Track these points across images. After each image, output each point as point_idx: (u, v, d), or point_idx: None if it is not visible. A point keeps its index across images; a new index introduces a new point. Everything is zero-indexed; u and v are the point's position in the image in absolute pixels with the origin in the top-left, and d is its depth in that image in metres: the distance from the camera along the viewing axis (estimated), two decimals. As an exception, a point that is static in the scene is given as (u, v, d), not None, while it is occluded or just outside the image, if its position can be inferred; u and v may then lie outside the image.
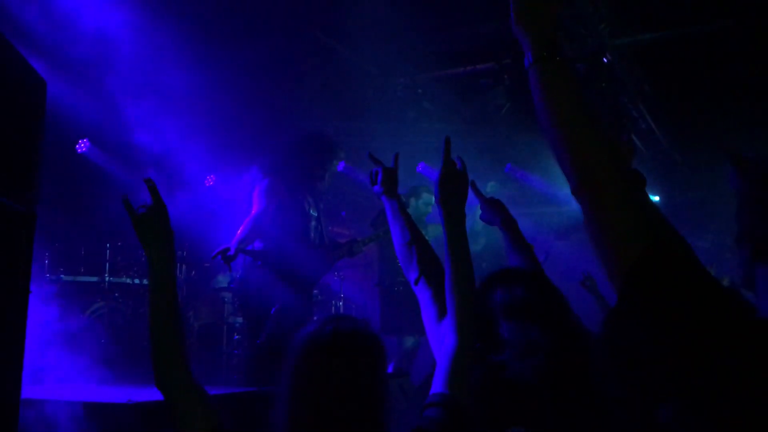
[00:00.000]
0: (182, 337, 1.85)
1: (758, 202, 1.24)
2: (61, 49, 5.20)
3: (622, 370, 1.49)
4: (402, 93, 7.14)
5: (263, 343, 4.81)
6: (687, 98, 7.04)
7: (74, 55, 5.34)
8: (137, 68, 5.66)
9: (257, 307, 4.94)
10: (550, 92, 1.36)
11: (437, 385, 1.78)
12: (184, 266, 7.25)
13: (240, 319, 7.00)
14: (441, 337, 2.04)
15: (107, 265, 6.83)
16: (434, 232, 6.25)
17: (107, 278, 6.79)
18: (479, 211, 2.85)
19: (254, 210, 4.96)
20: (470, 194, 2.21)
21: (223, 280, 7.51)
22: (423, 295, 2.20)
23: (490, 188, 6.61)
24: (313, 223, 5.20)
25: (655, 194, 7.89)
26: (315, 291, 6.25)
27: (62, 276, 6.48)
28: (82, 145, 7.25)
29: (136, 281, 6.98)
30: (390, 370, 5.65)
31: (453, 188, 2.10)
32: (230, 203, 7.12)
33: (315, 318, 1.79)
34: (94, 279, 6.78)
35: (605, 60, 6.10)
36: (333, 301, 7.73)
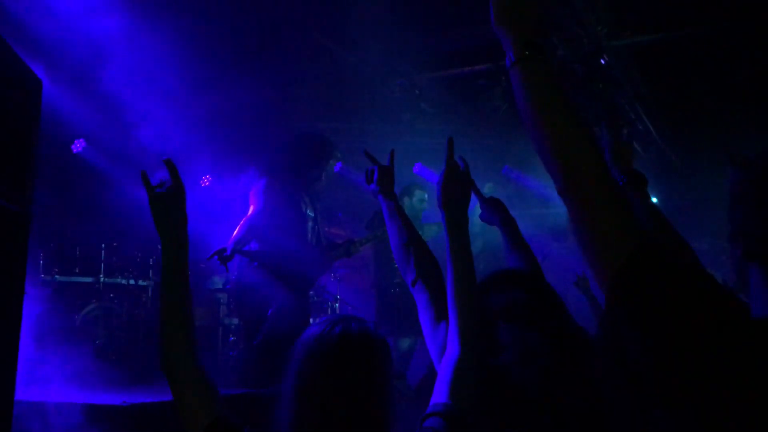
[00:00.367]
0: (190, 322, 1.82)
1: (751, 201, 1.22)
2: (58, 49, 5.18)
3: (615, 373, 1.48)
4: (399, 94, 7.13)
5: (260, 344, 4.79)
6: (684, 100, 7.05)
7: (71, 54, 5.32)
8: (133, 68, 5.64)
9: (254, 309, 4.93)
10: (532, 92, 1.34)
11: (439, 395, 1.75)
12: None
13: (236, 321, 6.99)
14: (439, 341, 2.02)
15: (102, 265, 6.81)
16: (429, 232, 6.25)
17: (102, 279, 6.77)
18: (477, 212, 2.83)
19: (251, 210, 4.95)
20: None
21: (218, 281, 7.50)
22: (420, 297, 2.18)
23: (487, 189, 6.61)
24: (310, 223, 5.19)
25: (652, 196, 7.87)
26: (311, 292, 6.24)
27: (57, 276, 6.46)
28: (78, 145, 7.23)
29: (131, 282, 6.96)
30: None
31: (456, 190, 2.04)
32: (226, 204, 7.12)
33: (318, 320, 1.76)
34: (89, 279, 6.76)
35: (602, 61, 6.10)
36: (329, 303, 7.71)
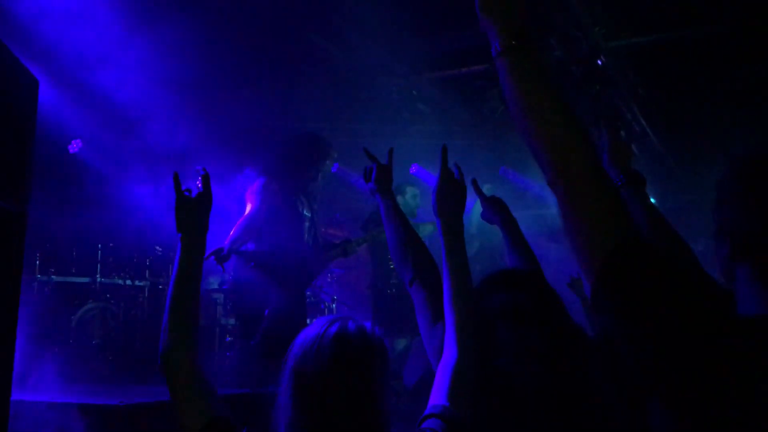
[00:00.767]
0: (195, 324, 1.85)
1: (739, 197, 1.22)
2: (54, 49, 5.18)
3: (609, 367, 1.48)
4: (396, 95, 7.13)
5: (257, 344, 4.79)
6: (681, 101, 7.06)
7: (67, 54, 5.32)
8: (130, 68, 5.64)
9: (250, 309, 4.93)
10: (520, 82, 1.32)
11: (438, 397, 1.75)
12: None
13: (233, 321, 6.98)
14: (436, 340, 2.02)
15: (99, 266, 6.80)
16: (425, 231, 6.25)
17: (98, 279, 6.76)
18: (475, 212, 2.84)
19: (248, 211, 4.95)
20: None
21: (214, 281, 7.49)
22: (418, 296, 2.18)
23: (485, 190, 6.60)
24: (307, 223, 5.18)
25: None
26: (308, 292, 6.24)
27: (53, 277, 6.46)
28: (74, 146, 7.22)
29: (128, 282, 6.95)
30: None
31: (451, 198, 2.05)
32: (223, 204, 7.10)
33: (315, 320, 1.76)
34: (86, 280, 6.75)
35: (599, 62, 6.11)
36: (326, 303, 7.71)
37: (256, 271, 4.93)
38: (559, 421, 1.76)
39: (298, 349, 1.63)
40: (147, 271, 7.17)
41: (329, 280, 7.93)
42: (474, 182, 2.68)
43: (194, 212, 1.92)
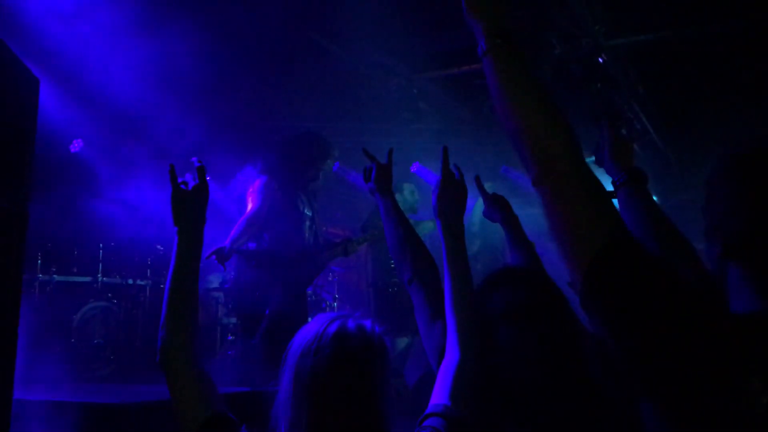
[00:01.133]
0: (194, 319, 1.83)
1: (732, 194, 1.20)
2: (56, 47, 5.18)
3: (610, 368, 1.47)
4: (397, 93, 7.13)
5: (257, 343, 4.79)
6: (682, 99, 7.06)
7: (69, 53, 5.32)
8: (131, 68, 5.64)
9: (251, 308, 4.93)
10: (504, 81, 1.33)
11: (439, 396, 1.75)
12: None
13: (234, 320, 6.98)
14: (435, 339, 2.02)
15: (100, 265, 6.80)
16: (425, 229, 6.25)
17: (100, 278, 6.77)
18: (477, 211, 2.84)
19: (248, 210, 4.95)
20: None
21: (214, 280, 7.50)
22: (417, 295, 2.17)
23: (486, 189, 6.61)
24: (308, 222, 5.18)
25: (649, 195, 7.89)
26: (309, 291, 6.24)
27: (55, 276, 6.46)
28: (76, 145, 7.22)
29: (130, 281, 6.96)
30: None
31: (452, 199, 2.05)
32: (223, 203, 7.10)
33: (314, 318, 1.76)
34: (87, 279, 6.76)
35: (600, 61, 6.10)
36: (327, 302, 7.72)
37: (257, 270, 4.93)
38: (561, 419, 1.75)
39: (297, 347, 1.62)
40: (148, 271, 7.17)
41: (330, 279, 7.94)
42: (477, 179, 2.69)
43: (191, 205, 1.90)
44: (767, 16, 5.32)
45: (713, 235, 1.22)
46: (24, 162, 2.38)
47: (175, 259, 1.86)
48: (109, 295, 6.80)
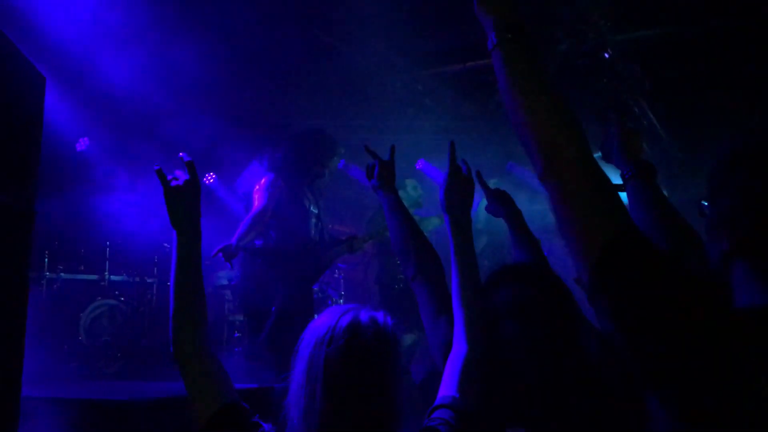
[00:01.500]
0: (202, 310, 1.86)
1: (738, 189, 1.19)
2: (62, 45, 5.19)
3: (616, 362, 1.46)
4: (402, 90, 7.12)
5: (264, 340, 4.80)
6: (689, 95, 7.03)
7: (74, 50, 5.33)
8: (137, 66, 5.65)
9: (258, 305, 4.94)
10: (513, 75, 1.33)
11: (448, 389, 1.76)
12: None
13: (240, 317, 6.99)
14: (440, 335, 2.03)
15: (107, 263, 6.82)
16: (429, 225, 6.25)
17: (107, 276, 6.79)
18: (482, 207, 2.83)
19: (255, 207, 4.95)
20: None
21: (223, 276, 7.51)
22: (421, 291, 2.18)
23: (491, 185, 6.60)
24: (314, 220, 5.19)
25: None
26: (315, 288, 6.24)
27: (62, 274, 6.49)
28: (82, 143, 7.25)
29: (137, 279, 6.98)
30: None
31: (459, 194, 2.05)
32: (230, 201, 7.12)
33: (326, 309, 1.76)
34: (94, 277, 6.78)
35: (606, 56, 6.08)
36: (333, 299, 7.73)
37: (263, 268, 4.94)
38: (567, 413, 1.75)
39: (310, 338, 1.63)
40: (155, 268, 7.19)
41: (336, 276, 7.95)
42: (478, 174, 2.68)
43: (184, 200, 1.91)
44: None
45: (719, 229, 1.21)
46: (30, 160, 2.39)
47: (177, 256, 1.88)
48: (116, 292, 6.82)
